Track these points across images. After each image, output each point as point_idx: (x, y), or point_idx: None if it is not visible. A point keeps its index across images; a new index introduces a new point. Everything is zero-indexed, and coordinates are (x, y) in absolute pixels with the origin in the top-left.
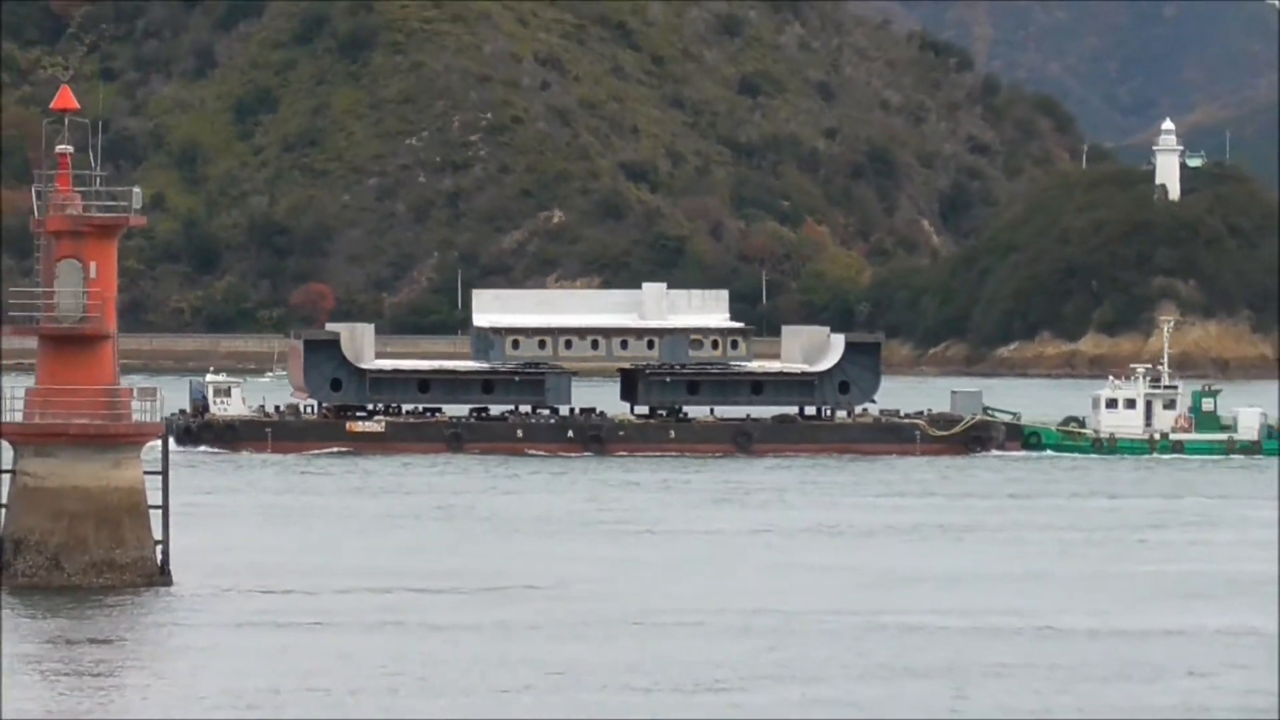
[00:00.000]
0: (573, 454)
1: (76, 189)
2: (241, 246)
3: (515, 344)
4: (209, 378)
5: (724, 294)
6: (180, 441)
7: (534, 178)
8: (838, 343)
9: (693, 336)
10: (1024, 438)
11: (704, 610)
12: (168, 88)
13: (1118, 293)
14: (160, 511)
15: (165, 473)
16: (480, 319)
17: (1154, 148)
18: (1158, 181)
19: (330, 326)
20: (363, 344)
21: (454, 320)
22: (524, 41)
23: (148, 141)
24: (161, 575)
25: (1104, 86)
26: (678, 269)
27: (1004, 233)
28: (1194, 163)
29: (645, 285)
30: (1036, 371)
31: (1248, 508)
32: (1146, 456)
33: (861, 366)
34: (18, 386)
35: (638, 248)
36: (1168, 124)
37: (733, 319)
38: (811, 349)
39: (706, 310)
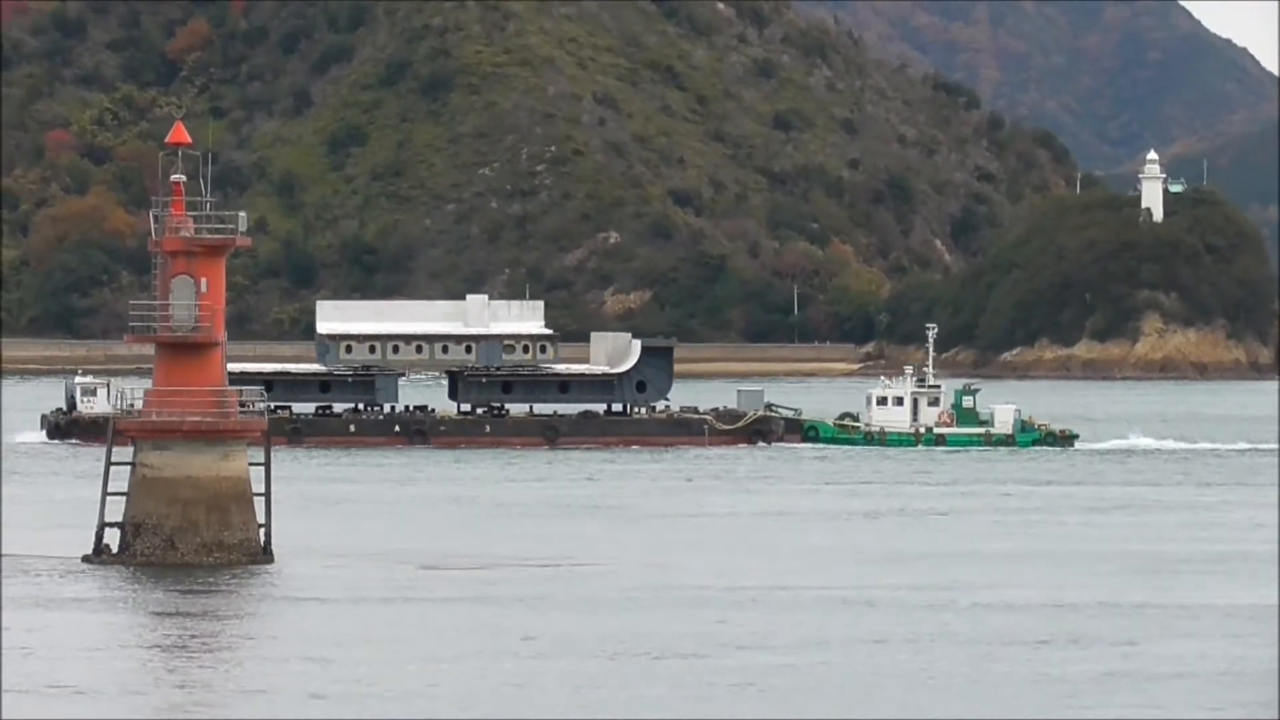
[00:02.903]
0: (399, 446)
1: (189, 214)
2: (335, 264)
3: (349, 349)
4: (78, 379)
5: (540, 304)
6: (50, 436)
7: (593, 203)
8: (636, 347)
9: (505, 341)
10: (803, 431)
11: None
12: (269, 124)
13: (1108, 304)
14: (263, 498)
15: (268, 464)
16: (322, 326)
17: (1139, 176)
18: (1143, 205)
19: None
20: None
21: None
22: (583, 83)
23: (251, 172)
24: (264, 554)
25: (1095, 122)
26: (719, 283)
27: (1007, 251)
28: (1175, 189)
29: (469, 296)
30: (1036, 374)
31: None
32: (911, 448)
33: (656, 368)
34: (137, 388)
35: (684, 265)
36: (1152, 155)
37: (766, 328)
38: (615, 353)
39: (524, 318)
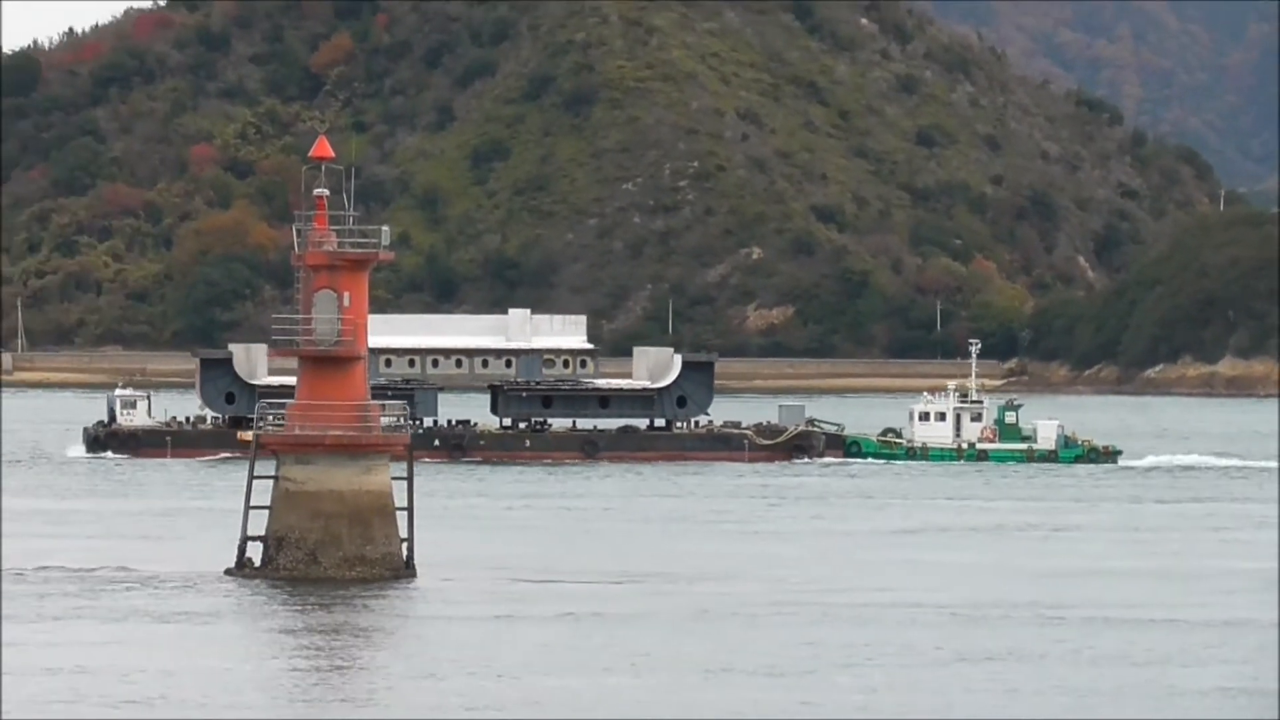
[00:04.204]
0: (439, 460)
1: (332, 228)
2: (477, 279)
3: (388, 362)
4: (118, 391)
5: (582, 319)
6: (90, 449)
7: (735, 219)
8: (677, 362)
9: (545, 356)
10: (845, 446)
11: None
12: (412, 138)
13: (1251, 321)
14: (405, 512)
15: (410, 477)
16: None
17: None
18: None
19: (231, 347)
20: (256, 362)
21: (664, 344)
22: (726, 98)
23: (394, 186)
24: (407, 569)
25: (1238, 139)
26: (861, 299)
27: (1150, 268)
28: None
29: (511, 310)
30: (1179, 390)
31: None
32: (954, 463)
33: (697, 383)
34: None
35: (826, 280)
36: None
37: (909, 344)
38: (657, 367)
39: (566, 333)
